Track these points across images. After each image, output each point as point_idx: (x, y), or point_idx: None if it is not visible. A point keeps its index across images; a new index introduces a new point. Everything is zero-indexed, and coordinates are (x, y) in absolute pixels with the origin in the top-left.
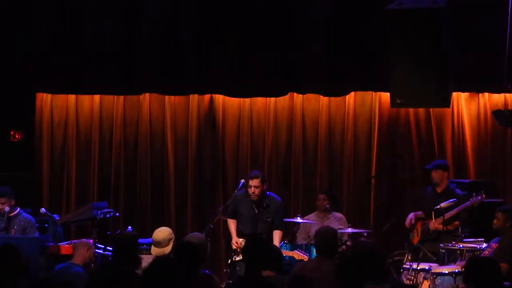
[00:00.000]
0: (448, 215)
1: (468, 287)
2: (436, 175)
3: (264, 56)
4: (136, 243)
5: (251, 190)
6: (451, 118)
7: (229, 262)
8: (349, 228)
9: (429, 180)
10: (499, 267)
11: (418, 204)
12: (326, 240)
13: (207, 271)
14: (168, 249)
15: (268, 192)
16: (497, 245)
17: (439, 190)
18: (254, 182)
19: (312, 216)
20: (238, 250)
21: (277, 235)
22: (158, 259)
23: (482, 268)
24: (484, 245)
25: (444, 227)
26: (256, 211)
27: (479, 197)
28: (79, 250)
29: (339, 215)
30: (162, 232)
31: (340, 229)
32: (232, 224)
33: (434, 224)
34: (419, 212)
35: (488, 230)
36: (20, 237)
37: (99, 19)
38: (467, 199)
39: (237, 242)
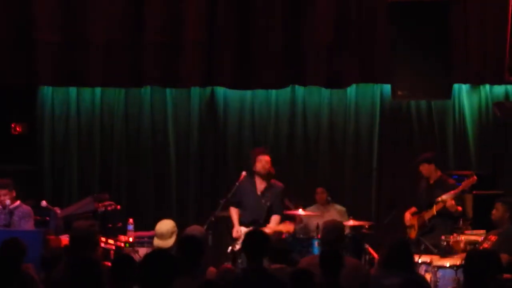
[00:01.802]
0: (445, 196)
1: (468, 280)
2: (423, 169)
3: (265, 48)
4: (95, 233)
5: (263, 165)
6: (453, 110)
7: (228, 251)
8: (351, 221)
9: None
10: (499, 259)
11: (415, 197)
12: (332, 233)
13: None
14: (171, 241)
15: (272, 182)
16: (496, 237)
17: (431, 181)
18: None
19: (312, 209)
20: (239, 239)
21: (274, 220)
22: (153, 252)
23: (482, 261)
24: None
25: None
26: (259, 193)
27: (470, 179)
28: None
29: (339, 207)
30: (166, 224)
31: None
32: (234, 213)
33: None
34: (412, 209)
35: (489, 221)
36: (21, 230)
37: (101, 10)
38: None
39: (238, 230)
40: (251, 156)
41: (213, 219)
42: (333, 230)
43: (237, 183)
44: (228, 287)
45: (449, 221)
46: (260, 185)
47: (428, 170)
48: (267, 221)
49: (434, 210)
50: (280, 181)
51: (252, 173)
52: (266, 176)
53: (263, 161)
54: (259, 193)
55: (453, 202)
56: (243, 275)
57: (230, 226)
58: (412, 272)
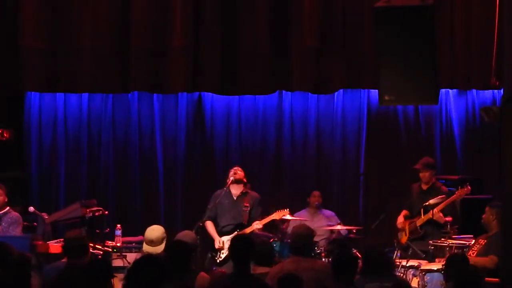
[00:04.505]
0: (435, 210)
1: (449, 285)
2: (426, 174)
3: (252, 54)
4: (86, 244)
5: (234, 172)
6: (440, 115)
7: (218, 262)
8: (339, 225)
9: (416, 177)
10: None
11: (407, 202)
12: (302, 239)
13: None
14: (161, 247)
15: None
16: (485, 241)
17: (424, 187)
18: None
19: (303, 213)
20: (222, 249)
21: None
22: (143, 258)
23: (460, 265)
24: (473, 241)
25: (434, 217)
26: (235, 198)
27: (464, 189)
28: None
29: (329, 212)
30: (156, 231)
31: (329, 226)
32: (210, 226)
33: (424, 218)
34: (404, 212)
35: (477, 226)
36: (8, 236)
37: (88, 16)
38: (452, 194)
39: (220, 241)
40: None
41: (200, 224)
42: (302, 235)
43: (225, 188)
44: None
45: (440, 227)
46: (236, 191)
47: (429, 176)
48: (249, 224)
49: (424, 217)
50: (267, 187)
51: (227, 188)
52: (240, 181)
53: (235, 170)
54: (235, 198)
55: (441, 214)
56: (230, 280)
57: (211, 240)
58: (391, 276)
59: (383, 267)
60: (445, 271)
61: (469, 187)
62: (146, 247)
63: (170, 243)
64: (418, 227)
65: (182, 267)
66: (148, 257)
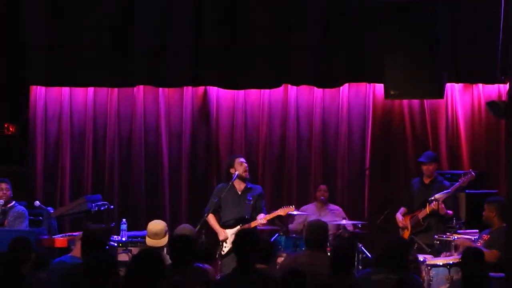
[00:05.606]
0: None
1: (455, 280)
2: (431, 167)
3: (258, 48)
4: (107, 237)
5: (244, 169)
6: (445, 109)
7: (217, 256)
8: (344, 220)
9: (420, 172)
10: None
11: (404, 198)
12: (318, 234)
13: (200, 264)
14: (164, 240)
15: (249, 184)
16: (488, 236)
17: (426, 181)
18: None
19: (310, 207)
20: (226, 241)
21: (263, 216)
22: (142, 252)
23: (471, 259)
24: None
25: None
26: (239, 193)
27: (468, 175)
28: (78, 243)
29: (335, 207)
30: (159, 224)
31: (336, 221)
32: (212, 220)
33: (427, 210)
34: (402, 210)
35: (482, 221)
36: (15, 230)
37: (92, 11)
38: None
39: (224, 232)
40: (228, 162)
41: (205, 218)
42: (318, 229)
43: (230, 182)
44: (219, 286)
45: (443, 220)
46: (240, 185)
47: (433, 169)
48: (253, 218)
49: (428, 209)
50: (272, 181)
51: (229, 178)
52: (245, 178)
53: (243, 166)
54: (239, 192)
55: (442, 205)
56: (233, 274)
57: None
58: (404, 271)
59: (394, 260)
60: (460, 264)
61: (473, 174)
62: (149, 241)
63: (172, 237)
64: (421, 220)
65: (184, 262)
66: (148, 251)
